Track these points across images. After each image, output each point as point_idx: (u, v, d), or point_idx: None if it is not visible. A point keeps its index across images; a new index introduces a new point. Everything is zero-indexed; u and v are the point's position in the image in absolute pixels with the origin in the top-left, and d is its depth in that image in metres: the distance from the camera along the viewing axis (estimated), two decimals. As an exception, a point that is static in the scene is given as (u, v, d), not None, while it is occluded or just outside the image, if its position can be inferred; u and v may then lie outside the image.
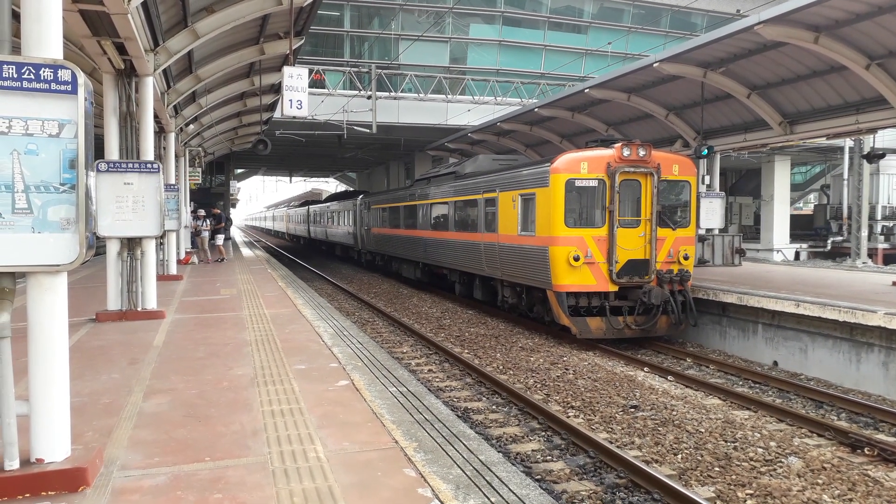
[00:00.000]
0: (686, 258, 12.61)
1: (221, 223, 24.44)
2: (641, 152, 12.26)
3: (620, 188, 12.16)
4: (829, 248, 31.63)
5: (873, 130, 16.35)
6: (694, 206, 13.03)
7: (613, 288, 12.27)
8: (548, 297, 12.70)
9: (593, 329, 12.15)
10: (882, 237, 30.98)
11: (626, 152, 12.16)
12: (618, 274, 12.20)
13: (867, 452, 7.16)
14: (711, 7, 36.87)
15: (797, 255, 31.24)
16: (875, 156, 21.88)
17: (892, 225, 31.24)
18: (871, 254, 28.17)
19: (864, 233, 26.18)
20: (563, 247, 12.07)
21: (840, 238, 31.39)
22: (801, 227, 34.88)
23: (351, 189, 52.87)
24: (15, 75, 3.74)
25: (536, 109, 21.63)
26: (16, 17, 4.14)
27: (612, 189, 12.10)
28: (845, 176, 30.24)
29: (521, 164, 15.09)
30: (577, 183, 12.13)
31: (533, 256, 12.93)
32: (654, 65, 15.35)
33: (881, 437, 7.77)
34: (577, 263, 11.98)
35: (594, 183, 12.16)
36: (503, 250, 14.35)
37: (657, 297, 12.13)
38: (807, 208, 47.08)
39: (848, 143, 28.22)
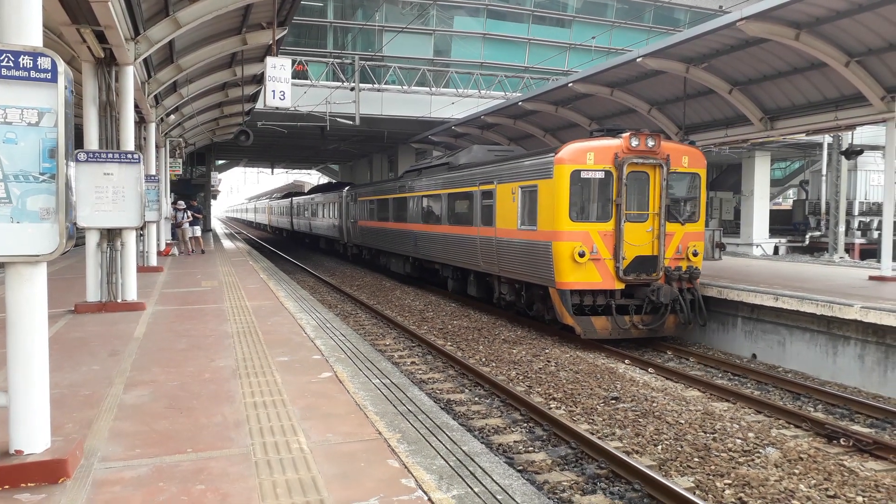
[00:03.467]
0: (695, 254, 12.17)
1: (200, 214, 24.28)
2: (650, 143, 11.74)
3: (628, 180, 11.64)
4: (807, 242, 32.00)
5: (852, 127, 16.56)
6: (704, 199, 12.59)
7: (620, 286, 11.76)
8: (549, 295, 12.18)
9: (598, 329, 11.64)
10: (859, 232, 31.41)
11: (634, 142, 11.64)
12: (625, 271, 11.67)
13: (843, 443, 7.29)
14: (694, 3, 37.07)
15: (776, 250, 31.59)
16: (853, 152, 22.20)
17: (868, 220, 31.68)
18: (849, 249, 28.52)
19: (842, 228, 26.51)
20: (567, 242, 11.53)
21: (818, 233, 31.77)
22: (780, 222, 35.26)
23: (334, 181, 52.60)
24: (-7, 62, 3.69)
25: (520, 103, 21.65)
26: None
27: (620, 181, 11.56)
28: (824, 172, 30.58)
29: (521, 154, 14.49)
30: (583, 174, 11.59)
31: (534, 252, 12.41)
32: (638, 60, 15.42)
33: (857, 427, 7.91)
34: (582, 260, 11.44)
35: (601, 174, 11.61)
36: (501, 245, 13.82)
37: (666, 295, 11.59)
38: (786, 203, 47.58)
39: (827, 139, 28.54)
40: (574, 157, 11.62)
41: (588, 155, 11.61)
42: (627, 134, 11.74)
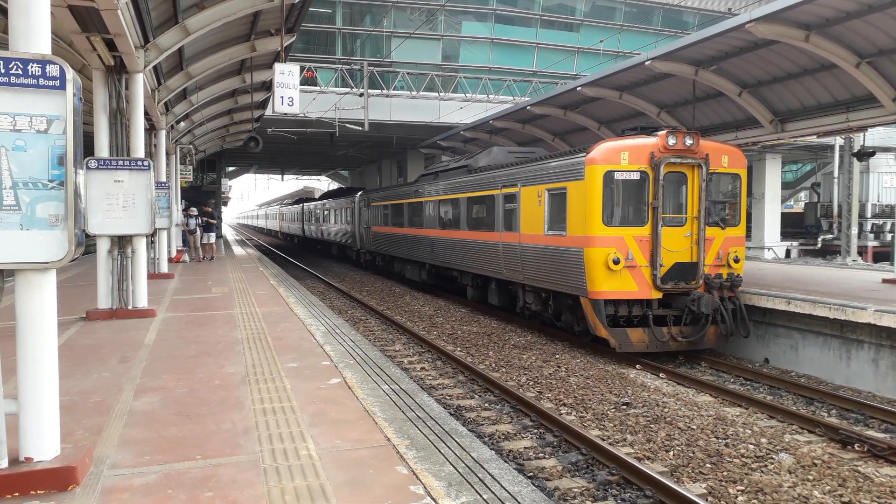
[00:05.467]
0: (736, 261, 11.45)
1: (214, 220, 24.39)
2: (688, 141, 11.04)
3: (665, 181, 10.98)
4: (819, 245, 31.77)
5: (863, 129, 16.40)
6: (745, 202, 11.89)
7: (657, 295, 11.04)
8: (580, 305, 11.50)
9: (634, 342, 10.96)
10: (872, 235, 31.16)
11: (671, 141, 10.93)
12: (662, 279, 10.98)
13: (857, 448, 7.20)
14: (703, 5, 36.97)
15: (788, 253, 31.38)
16: (865, 154, 21.99)
17: (881, 223, 31.43)
18: (861, 251, 28.30)
19: (854, 231, 26.30)
20: (600, 248, 10.81)
21: (830, 236, 31.54)
22: (792, 225, 35.03)
23: (345, 186, 52.69)
24: (3, 70, 3.72)
25: (529, 107, 21.59)
26: (3, 12, 4.10)
27: (657, 182, 10.86)
28: (835, 174, 30.38)
29: (547, 155, 13.87)
30: (617, 175, 10.86)
31: (564, 259, 11.69)
32: (646, 63, 15.35)
33: (871, 433, 7.81)
34: (617, 267, 10.72)
35: (636, 175, 10.91)
36: (526, 251, 13.11)
37: (707, 305, 10.85)
38: (797, 206, 47.25)
39: (838, 141, 28.34)
40: (607, 157, 10.91)
41: (622, 154, 10.90)
42: (664, 132, 11.09)
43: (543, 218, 12.43)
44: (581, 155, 11.29)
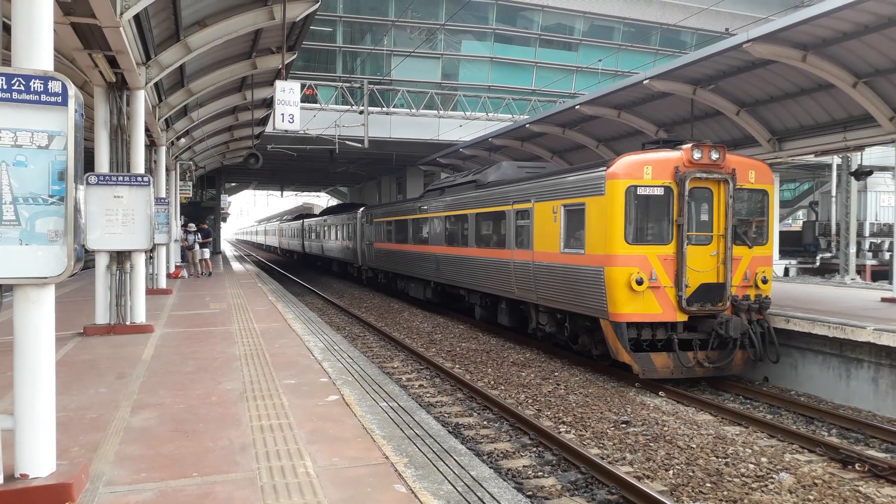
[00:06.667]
0: (764, 281, 10.95)
1: (209, 237, 24.35)
2: (714, 155, 10.57)
3: (690, 197, 10.54)
4: (817, 264, 31.79)
5: (861, 148, 16.51)
6: (773, 219, 11.40)
7: (682, 317, 10.47)
8: (599, 328, 10.99)
9: (659, 367, 10.34)
10: (870, 253, 31.17)
11: (696, 155, 10.45)
12: (688, 300, 10.43)
13: (858, 468, 7.16)
14: (701, 25, 37.29)
15: (786, 272, 31.37)
16: (862, 173, 22.10)
17: (879, 241, 31.47)
18: (860, 270, 28.30)
19: (853, 249, 26.31)
20: (622, 267, 10.27)
21: (829, 254, 31.57)
22: (790, 244, 35.05)
23: (345, 202, 52.72)
24: (5, 86, 3.74)
25: (527, 125, 21.71)
26: (6, 29, 4.13)
27: (681, 198, 10.39)
28: (833, 193, 30.47)
29: (563, 169, 13.43)
30: (640, 190, 10.39)
31: (582, 278, 11.16)
32: (644, 82, 15.45)
33: (872, 452, 7.77)
34: (640, 288, 10.16)
35: (660, 191, 10.43)
36: (540, 270, 12.57)
37: (735, 328, 10.31)
38: (796, 225, 47.36)
39: (836, 160, 28.47)
40: (629, 171, 10.41)
41: (645, 169, 10.41)
42: (689, 145, 10.62)
43: (559, 235, 11.94)
44: (601, 169, 10.77)
